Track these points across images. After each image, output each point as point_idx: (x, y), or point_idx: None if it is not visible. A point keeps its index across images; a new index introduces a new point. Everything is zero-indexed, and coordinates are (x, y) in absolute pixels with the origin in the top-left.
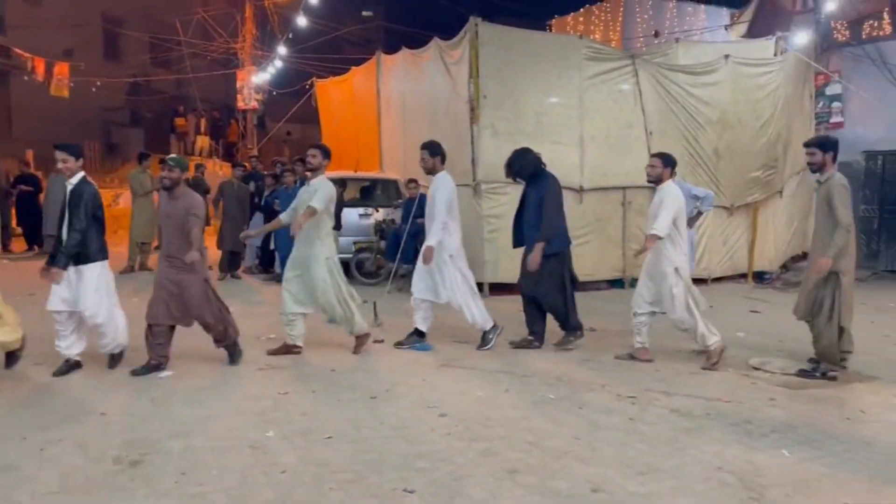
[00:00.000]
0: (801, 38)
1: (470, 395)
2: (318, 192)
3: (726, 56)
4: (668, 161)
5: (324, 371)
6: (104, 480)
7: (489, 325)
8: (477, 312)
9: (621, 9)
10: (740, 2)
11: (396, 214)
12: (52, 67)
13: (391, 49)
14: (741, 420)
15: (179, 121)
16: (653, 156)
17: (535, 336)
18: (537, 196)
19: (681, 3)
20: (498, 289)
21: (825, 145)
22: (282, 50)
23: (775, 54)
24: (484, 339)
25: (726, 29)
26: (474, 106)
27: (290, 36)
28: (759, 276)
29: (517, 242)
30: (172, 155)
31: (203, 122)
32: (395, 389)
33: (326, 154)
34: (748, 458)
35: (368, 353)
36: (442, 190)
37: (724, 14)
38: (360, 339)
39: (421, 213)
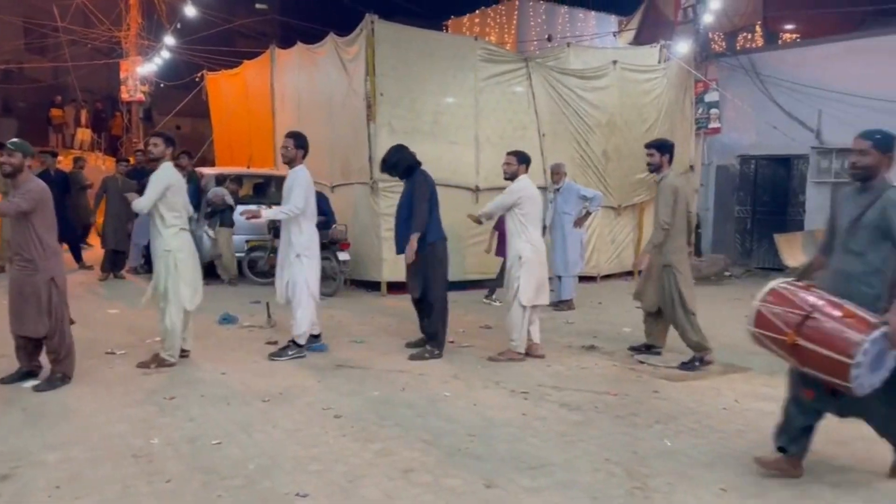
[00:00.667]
0: (683, 47)
1: (365, 395)
2: (150, 183)
3: (614, 62)
4: (522, 158)
5: (214, 374)
6: None
7: (303, 341)
8: (303, 322)
9: (515, 12)
10: (627, 10)
11: None
12: None
13: (286, 43)
14: (627, 412)
15: (55, 111)
16: (508, 153)
17: None
18: (409, 193)
19: (572, 9)
20: (396, 288)
21: (662, 147)
22: (170, 40)
23: (659, 62)
24: (283, 351)
25: (614, 35)
26: (371, 103)
27: (179, 26)
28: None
29: (399, 248)
30: (14, 139)
31: (84, 114)
32: (289, 392)
33: (169, 141)
34: (633, 449)
35: (259, 355)
36: (301, 181)
37: (612, 21)
38: (154, 357)
39: (319, 211)
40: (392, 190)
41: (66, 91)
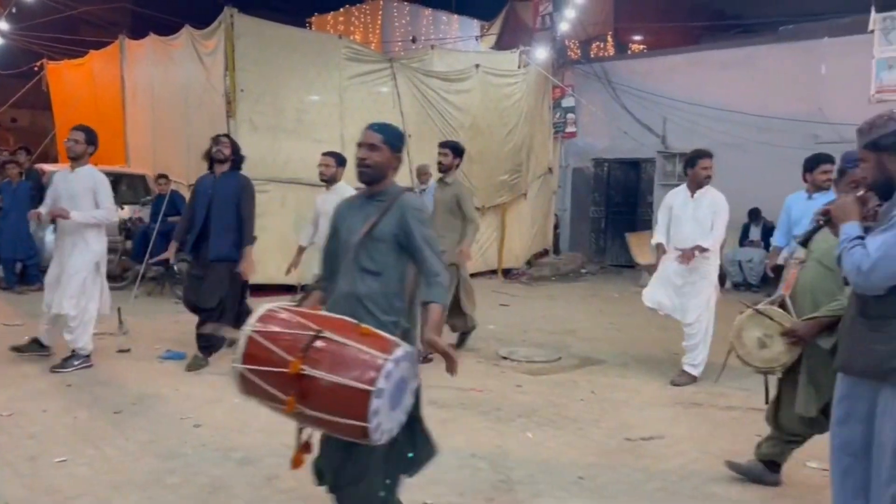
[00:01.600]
0: (541, 53)
1: (226, 402)
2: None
3: (477, 65)
4: (341, 160)
5: (59, 386)
6: None
7: (85, 353)
8: (87, 333)
9: (380, 12)
10: (489, 15)
11: (144, 213)
12: None
13: (137, 34)
14: (492, 407)
15: None
16: (325, 154)
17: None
18: (236, 193)
19: (436, 11)
20: (257, 290)
21: (456, 149)
22: (3, 26)
23: (519, 67)
24: (66, 362)
25: (477, 40)
26: (231, 99)
27: (14, 10)
28: (508, 272)
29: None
30: None
31: None
32: (144, 402)
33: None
34: (498, 443)
35: (111, 363)
36: (105, 182)
37: (475, 25)
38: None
39: (172, 210)
40: (256, 189)
41: None
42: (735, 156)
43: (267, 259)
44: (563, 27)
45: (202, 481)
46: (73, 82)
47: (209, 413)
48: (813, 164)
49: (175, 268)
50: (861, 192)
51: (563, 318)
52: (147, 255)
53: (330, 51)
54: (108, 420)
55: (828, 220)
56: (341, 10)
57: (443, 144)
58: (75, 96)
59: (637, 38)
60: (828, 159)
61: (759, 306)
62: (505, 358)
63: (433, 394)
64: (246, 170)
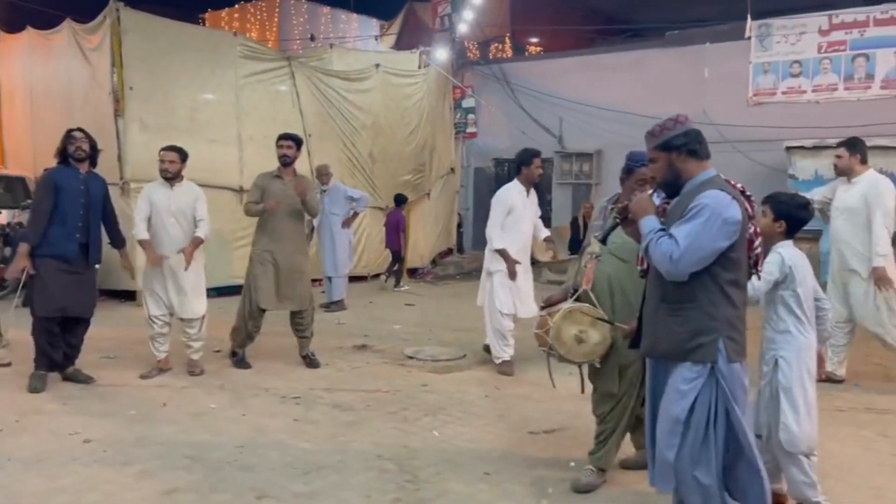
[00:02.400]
0: (441, 54)
1: (121, 415)
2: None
3: (377, 65)
4: (185, 156)
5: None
6: None
7: None
8: None
9: (277, 9)
10: (389, 14)
11: (24, 217)
12: None
13: (13, 27)
14: (398, 408)
15: None
16: (167, 149)
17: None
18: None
19: (335, 10)
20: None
21: (300, 142)
22: None
23: (419, 67)
24: None
25: (376, 39)
26: (119, 98)
27: None
28: (413, 272)
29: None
30: None
31: None
32: (28, 418)
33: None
34: (404, 443)
35: None
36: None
37: (374, 25)
38: None
39: None
40: None
41: None
42: (624, 153)
43: None
44: (462, 28)
45: (93, 498)
46: None
47: (101, 427)
48: None
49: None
50: (651, 190)
51: (467, 315)
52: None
53: (224, 48)
54: None
55: (624, 217)
56: (236, 6)
57: (287, 137)
58: None
59: (533, 40)
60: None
61: (569, 304)
62: (411, 357)
63: (338, 397)
64: (134, 172)
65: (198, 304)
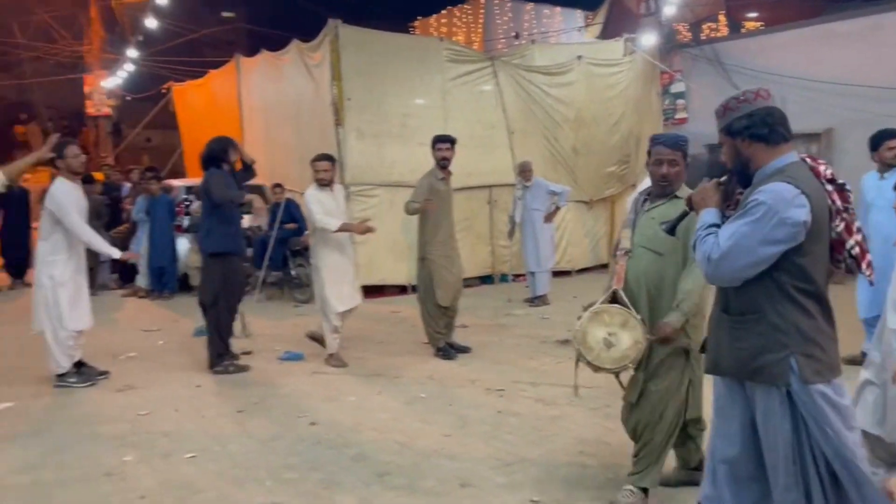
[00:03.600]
0: (647, 39)
1: (341, 400)
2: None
3: (579, 57)
4: (334, 162)
5: (188, 388)
6: None
7: (61, 371)
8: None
9: (482, 11)
10: (593, 5)
11: (263, 220)
12: None
13: (253, 52)
14: (601, 404)
15: (19, 128)
16: (322, 158)
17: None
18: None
19: (538, 5)
20: (372, 292)
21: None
22: (133, 53)
23: (624, 55)
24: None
25: (580, 31)
26: (338, 108)
27: (142, 38)
28: None
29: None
30: None
31: (49, 131)
32: (265, 401)
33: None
34: (606, 440)
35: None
36: None
37: (578, 16)
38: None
39: (288, 218)
40: (364, 194)
41: (30, 108)
42: (859, 132)
43: (380, 260)
44: (670, 11)
45: (317, 477)
46: (195, 101)
47: (325, 411)
48: (877, 141)
49: (293, 273)
50: (723, 178)
51: None
52: (266, 261)
53: (431, 54)
54: (232, 419)
55: (691, 208)
56: (443, 11)
57: (445, 139)
58: (198, 114)
59: (751, 15)
60: (892, 134)
61: (596, 305)
62: None
63: (541, 391)
64: (353, 176)
65: (359, 296)
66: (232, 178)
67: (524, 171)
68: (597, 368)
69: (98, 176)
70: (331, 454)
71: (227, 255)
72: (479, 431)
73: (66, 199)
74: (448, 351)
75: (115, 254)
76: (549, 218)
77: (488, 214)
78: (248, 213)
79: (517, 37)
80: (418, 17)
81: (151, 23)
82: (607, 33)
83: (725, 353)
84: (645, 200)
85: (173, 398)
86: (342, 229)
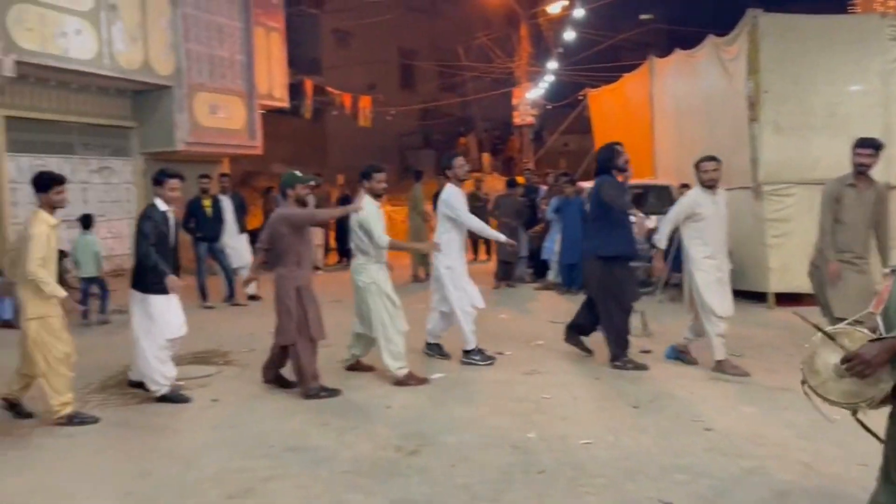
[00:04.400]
0: None
1: (739, 410)
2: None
3: None
4: (720, 163)
5: (587, 378)
6: (386, 466)
7: (469, 347)
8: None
9: None
10: None
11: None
12: (358, 101)
13: (668, 51)
14: None
15: (462, 140)
16: (709, 159)
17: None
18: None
19: None
20: (787, 299)
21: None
22: (553, 64)
23: None
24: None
25: None
26: (754, 102)
27: (562, 50)
28: None
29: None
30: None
31: (485, 140)
32: (659, 400)
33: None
34: None
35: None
36: None
37: None
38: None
39: None
40: (779, 193)
41: (470, 122)
42: None
43: (795, 266)
44: None
45: (707, 483)
46: (608, 105)
47: (721, 418)
48: None
49: None
50: None
51: None
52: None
53: (868, 34)
54: (627, 413)
55: None
56: None
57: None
58: (610, 118)
59: None
60: None
61: (835, 327)
62: None
63: None
64: (767, 174)
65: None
66: (620, 184)
67: None
68: (822, 398)
69: (520, 180)
70: (723, 462)
71: (618, 259)
72: None
73: (455, 200)
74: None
75: (501, 238)
76: None
77: None
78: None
79: None
80: None
81: (570, 35)
82: None
83: None
84: None
85: (573, 386)
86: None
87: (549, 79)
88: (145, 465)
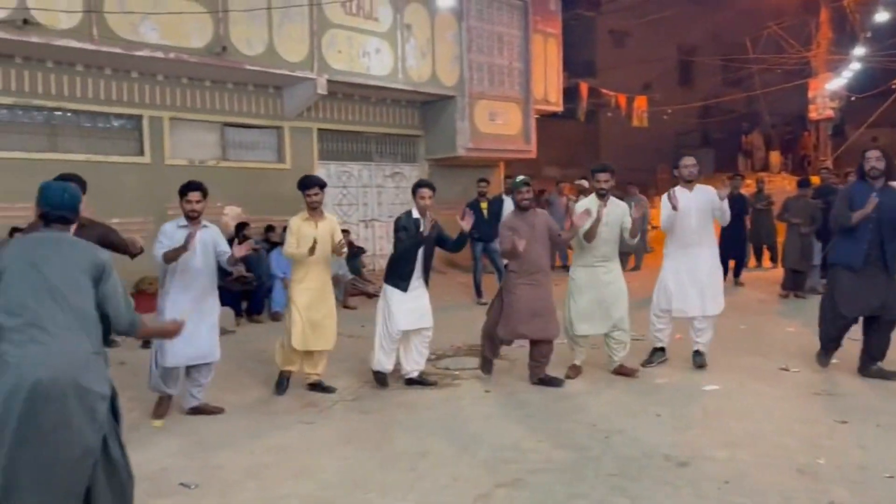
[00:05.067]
0: None
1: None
2: None
3: None
4: None
5: (891, 404)
6: (654, 474)
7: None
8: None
9: None
10: None
11: None
12: (633, 101)
13: None
14: None
15: (746, 138)
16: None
17: None
18: None
19: None
20: None
21: None
22: (859, 51)
23: None
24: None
25: None
26: None
27: (870, 34)
28: None
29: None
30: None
31: (773, 137)
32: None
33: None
34: None
35: None
36: None
37: None
38: None
39: None
40: None
41: (756, 118)
42: None
43: None
44: None
45: None
46: None
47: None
48: None
49: None
50: None
51: None
52: None
53: None
54: None
55: None
56: None
57: None
58: None
59: None
60: None
61: None
62: None
63: None
64: None
65: None
66: None
67: None
68: None
69: (814, 180)
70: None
71: None
72: None
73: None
74: None
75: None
76: None
77: None
78: None
79: None
80: None
81: (882, 16)
82: None
83: None
84: None
85: (874, 412)
86: None
87: (854, 67)
88: (426, 445)
